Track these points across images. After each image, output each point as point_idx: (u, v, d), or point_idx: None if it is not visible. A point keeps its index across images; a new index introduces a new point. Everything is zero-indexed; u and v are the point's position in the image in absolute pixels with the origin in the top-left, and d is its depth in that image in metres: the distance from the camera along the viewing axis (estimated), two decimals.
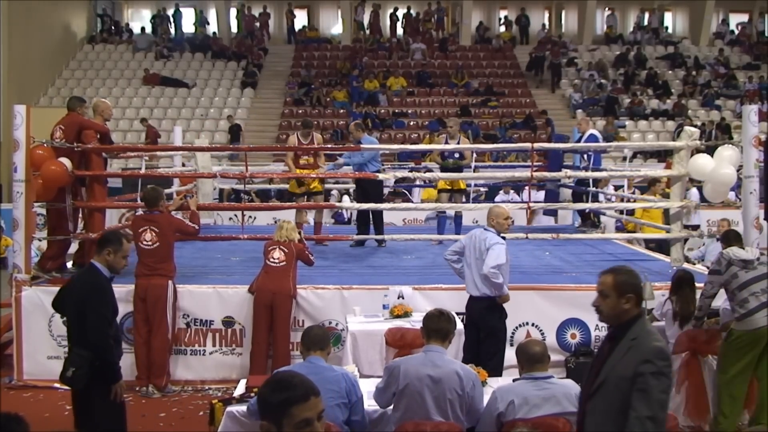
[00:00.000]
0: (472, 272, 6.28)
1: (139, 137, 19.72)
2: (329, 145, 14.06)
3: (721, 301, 6.23)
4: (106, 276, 4.89)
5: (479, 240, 6.27)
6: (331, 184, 13.22)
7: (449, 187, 9.76)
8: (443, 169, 9.83)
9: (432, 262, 8.68)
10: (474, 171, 12.12)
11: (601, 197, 11.40)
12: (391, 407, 4.48)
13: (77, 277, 5.20)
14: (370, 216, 9.78)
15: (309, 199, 9.68)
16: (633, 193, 12.02)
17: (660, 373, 3.16)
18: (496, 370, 5.99)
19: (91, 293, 4.80)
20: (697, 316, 6.14)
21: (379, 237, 9.68)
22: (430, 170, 12.25)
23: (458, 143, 9.78)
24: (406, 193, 15.07)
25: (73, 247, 8.31)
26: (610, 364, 3.30)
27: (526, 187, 12.38)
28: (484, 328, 6.25)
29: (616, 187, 13.02)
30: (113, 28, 26.06)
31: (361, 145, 9.59)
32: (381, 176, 9.38)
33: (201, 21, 26.31)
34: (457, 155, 9.68)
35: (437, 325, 4.51)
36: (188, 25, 26.36)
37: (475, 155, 10.45)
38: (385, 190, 14.33)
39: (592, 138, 10.96)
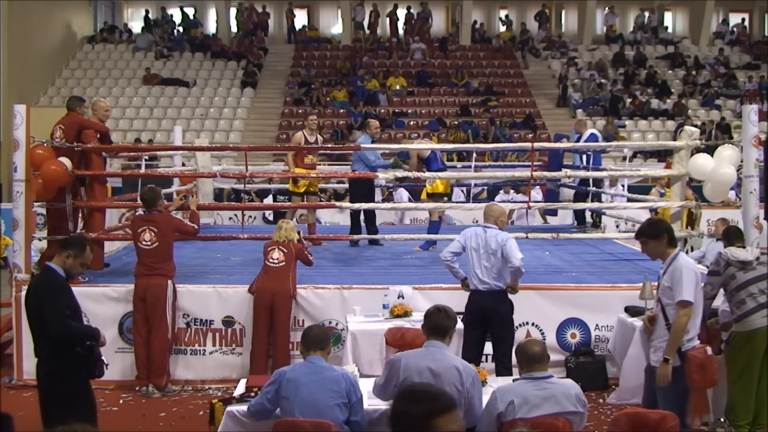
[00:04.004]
0: (482, 268, 6.25)
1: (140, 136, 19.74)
2: (329, 145, 14.07)
3: (720, 301, 6.22)
4: (62, 276, 4.85)
5: (485, 238, 6.27)
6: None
7: (430, 192, 9.68)
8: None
9: (432, 261, 8.68)
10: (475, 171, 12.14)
11: (603, 197, 11.36)
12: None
13: (34, 282, 5.17)
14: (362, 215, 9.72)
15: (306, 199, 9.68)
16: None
17: None
18: (507, 356, 6.11)
19: (48, 293, 4.77)
20: None
21: (372, 237, 9.61)
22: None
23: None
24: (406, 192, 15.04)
25: None
26: None
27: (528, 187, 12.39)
28: (499, 319, 6.26)
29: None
30: (115, 28, 26.01)
31: (360, 145, 9.53)
32: (381, 176, 9.36)
33: (194, 22, 26.20)
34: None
35: (437, 322, 4.53)
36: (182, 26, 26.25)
37: (475, 155, 10.41)
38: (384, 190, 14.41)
39: (593, 138, 10.76)
